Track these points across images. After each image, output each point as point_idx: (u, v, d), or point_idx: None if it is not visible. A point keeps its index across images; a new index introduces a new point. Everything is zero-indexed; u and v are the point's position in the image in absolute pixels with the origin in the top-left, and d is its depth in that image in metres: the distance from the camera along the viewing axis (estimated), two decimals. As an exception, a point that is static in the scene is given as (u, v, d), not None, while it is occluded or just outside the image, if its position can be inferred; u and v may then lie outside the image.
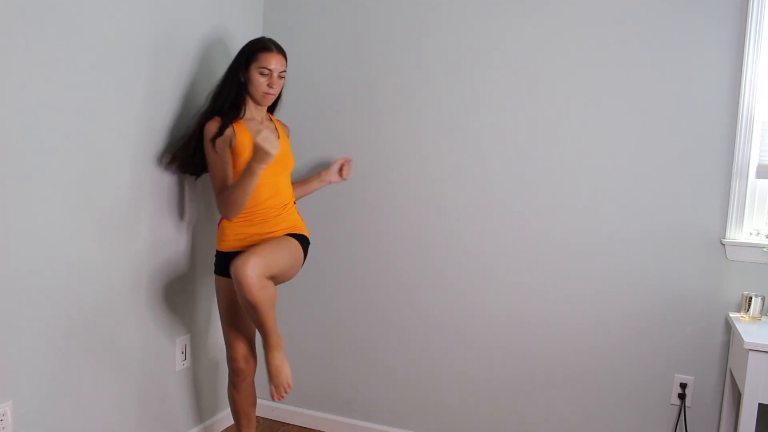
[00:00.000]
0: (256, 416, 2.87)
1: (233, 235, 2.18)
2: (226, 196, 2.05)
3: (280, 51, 2.17)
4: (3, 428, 1.76)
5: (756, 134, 2.15)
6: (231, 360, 2.27)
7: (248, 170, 1.97)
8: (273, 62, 2.12)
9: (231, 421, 2.81)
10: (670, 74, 2.22)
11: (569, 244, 2.38)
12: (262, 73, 2.12)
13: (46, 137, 1.81)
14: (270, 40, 2.18)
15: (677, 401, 2.29)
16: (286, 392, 2.05)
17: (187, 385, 2.53)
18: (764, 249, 2.13)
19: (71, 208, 1.92)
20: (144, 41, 2.14)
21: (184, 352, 2.49)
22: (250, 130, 2.14)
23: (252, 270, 1.88)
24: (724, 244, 2.19)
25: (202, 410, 2.64)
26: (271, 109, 2.35)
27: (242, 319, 2.23)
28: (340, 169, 2.52)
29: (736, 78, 2.14)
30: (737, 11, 2.12)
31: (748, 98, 2.13)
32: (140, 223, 2.21)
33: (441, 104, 2.51)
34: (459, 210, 2.52)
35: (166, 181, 2.30)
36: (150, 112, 2.19)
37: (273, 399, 2.06)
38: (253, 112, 2.21)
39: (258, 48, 2.14)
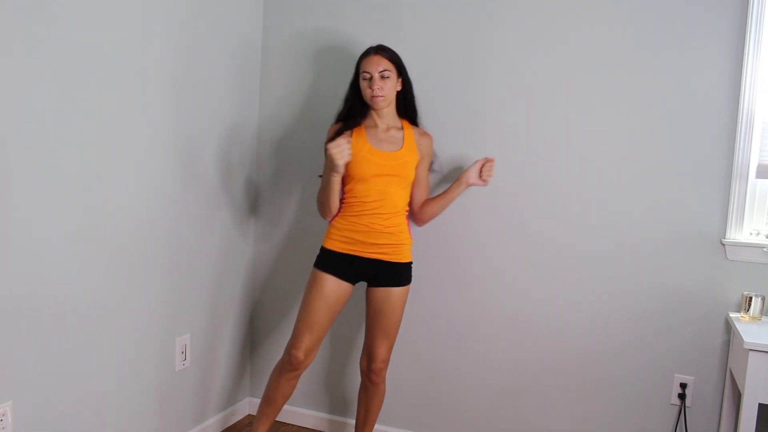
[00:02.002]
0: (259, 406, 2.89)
1: (339, 235, 2.23)
2: (318, 196, 2.26)
3: (378, 52, 2.19)
4: (3, 428, 1.76)
5: (756, 134, 2.15)
6: (293, 348, 2.22)
7: (324, 178, 2.17)
8: (369, 64, 2.16)
9: (230, 422, 2.81)
10: (670, 75, 2.22)
11: (569, 244, 2.38)
12: (364, 78, 2.17)
13: (57, 135, 1.82)
14: (373, 46, 2.22)
15: (677, 401, 2.29)
16: None
17: (187, 385, 2.53)
18: (764, 249, 2.13)
19: (71, 207, 1.92)
20: (146, 48, 2.14)
21: (184, 352, 2.49)
22: (368, 136, 2.22)
23: (385, 365, 2.30)
24: (724, 244, 2.19)
25: (202, 410, 2.63)
26: (410, 119, 2.30)
27: (324, 315, 2.22)
28: (480, 171, 2.31)
29: (736, 78, 2.14)
30: (737, 11, 2.12)
31: (748, 98, 2.13)
32: (140, 222, 2.21)
33: (444, 104, 2.51)
34: (461, 212, 2.51)
35: (174, 181, 2.30)
36: (153, 109, 2.19)
37: None
38: (376, 119, 2.24)
39: (360, 57, 2.22)
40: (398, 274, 2.25)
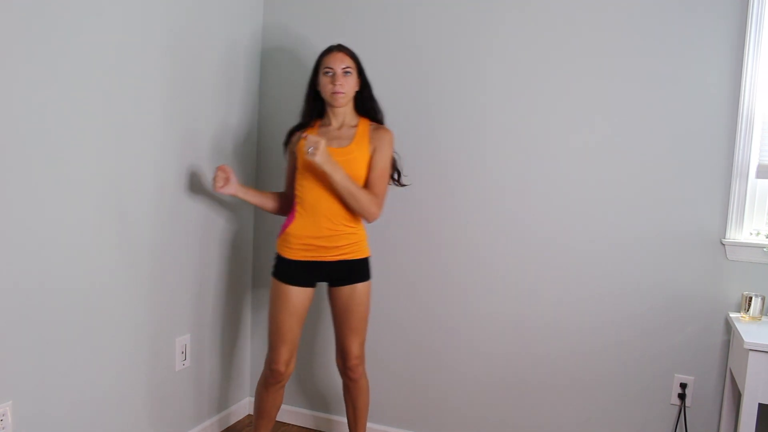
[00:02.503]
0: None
1: (299, 244, 2.19)
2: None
3: (341, 49, 2.20)
4: (3, 428, 1.76)
5: (756, 134, 2.15)
6: (272, 362, 2.25)
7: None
8: (332, 61, 2.16)
9: (230, 422, 2.81)
10: (670, 74, 2.22)
11: (568, 244, 2.38)
12: (326, 73, 2.17)
13: (56, 136, 1.82)
14: (335, 44, 2.23)
15: (677, 401, 2.29)
16: None
17: (187, 385, 2.53)
18: (764, 249, 2.13)
19: (71, 208, 1.92)
20: (146, 47, 2.14)
21: (184, 352, 2.49)
22: (320, 134, 2.20)
23: (360, 360, 2.30)
24: (724, 244, 2.19)
25: (202, 410, 2.63)
26: (369, 116, 2.27)
27: (293, 325, 2.23)
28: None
29: (736, 78, 2.14)
30: (737, 11, 2.12)
31: (748, 98, 2.13)
32: (141, 222, 2.21)
33: (445, 105, 2.51)
34: (460, 211, 2.51)
35: (174, 180, 2.30)
36: (156, 112, 2.19)
37: None
38: (331, 117, 2.24)
39: (321, 54, 2.22)
40: (360, 270, 2.25)
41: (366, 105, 2.27)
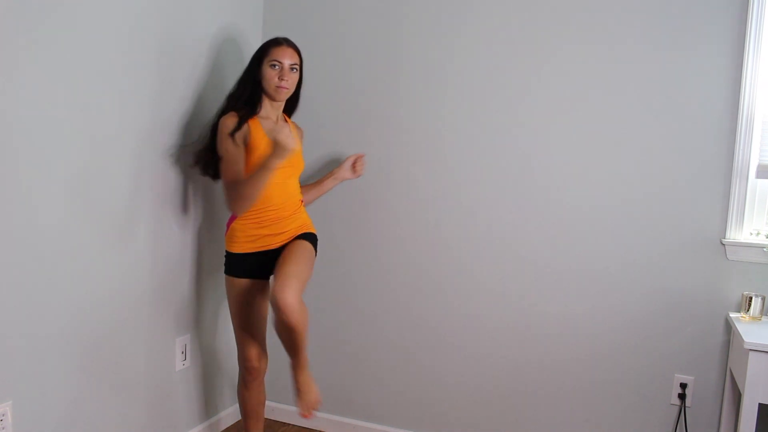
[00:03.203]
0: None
1: (244, 237, 2.19)
2: (238, 191, 2.04)
3: (291, 45, 2.19)
4: (3, 428, 1.76)
5: (756, 134, 2.15)
6: (244, 359, 2.28)
7: (264, 166, 1.98)
8: (282, 55, 2.14)
9: (230, 422, 2.81)
10: (670, 74, 2.22)
11: (569, 245, 2.38)
12: (272, 66, 2.13)
13: (47, 134, 1.81)
14: (283, 37, 2.21)
15: (677, 401, 2.29)
16: (315, 410, 2.12)
17: (187, 385, 2.53)
18: (764, 249, 2.13)
19: (72, 207, 1.92)
20: (147, 40, 2.13)
21: (184, 352, 2.49)
22: (264, 128, 2.15)
23: (292, 296, 1.94)
24: (724, 244, 2.19)
25: (202, 410, 2.63)
26: (289, 112, 2.35)
27: (255, 319, 2.24)
28: (353, 166, 2.50)
29: (736, 78, 2.14)
30: (737, 11, 2.12)
31: (748, 98, 2.13)
32: (141, 222, 2.20)
33: (445, 105, 2.51)
34: (457, 212, 2.52)
35: (169, 180, 2.30)
36: (154, 109, 2.19)
37: (302, 417, 2.12)
38: (269, 110, 2.21)
39: (269, 44, 2.18)
40: (303, 236, 2.21)
41: (293, 102, 2.31)
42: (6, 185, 1.72)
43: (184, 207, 2.41)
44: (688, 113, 2.21)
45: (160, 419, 2.39)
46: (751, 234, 2.18)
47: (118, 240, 2.11)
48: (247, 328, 2.25)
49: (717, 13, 2.15)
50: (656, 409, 2.31)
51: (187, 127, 2.37)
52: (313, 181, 2.54)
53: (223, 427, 2.77)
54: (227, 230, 2.24)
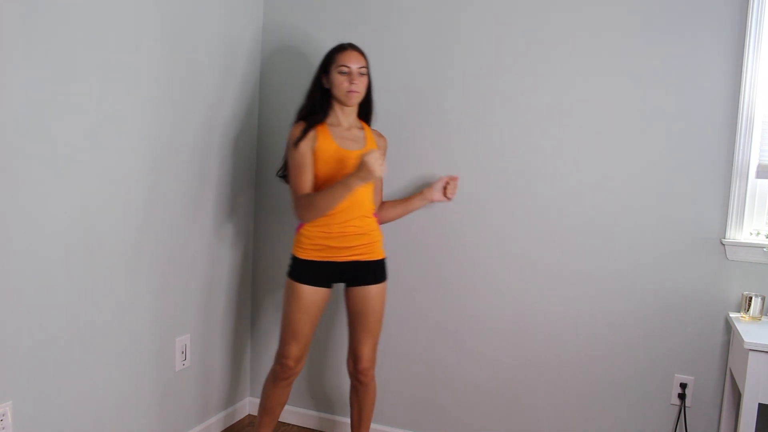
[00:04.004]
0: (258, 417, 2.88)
1: (312, 245, 2.19)
2: (311, 200, 2.10)
3: (356, 49, 2.19)
4: (3, 428, 1.76)
5: (756, 134, 2.15)
6: (283, 357, 2.25)
7: (344, 183, 2.03)
8: (349, 59, 2.15)
9: (230, 422, 2.81)
10: (670, 74, 2.22)
11: (569, 245, 2.38)
12: (341, 72, 2.14)
13: (55, 134, 1.82)
14: (347, 42, 2.22)
15: (677, 401, 2.29)
16: None
17: (187, 385, 2.53)
18: (764, 249, 2.13)
19: (71, 206, 1.93)
20: (146, 42, 2.14)
21: (184, 352, 2.49)
22: (333, 135, 2.17)
23: (373, 358, 2.30)
24: (724, 244, 2.19)
25: (202, 410, 2.63)
26: (365, 119, 2.30)
27: (308, 324, 2.23)
28: (444, 188, 2.40)
29: (736, 78, 2.14)
30: (737, 12, 2.12)
31: (748, 98, 2.13)
32: (142, 221, 2.21)
33: (445, 105, 2.51)
34: (458, 212, 2.51)
35: (171, 181, 2.30)
36: (154, 111, 2.19)
37: None
38: (339, 117, 2.22)
39: (334, 51, 2.19)
40: (375, 271, 2.25)
41: (367, 107, 2.28)
42: (6, 186, 1.72)
43: (188, 208, 2.41)
44: (688, 113, 2.21)
45: (160, 419, 2.39)
46: (751, 234, 2.18)
47: (117, 240, 2.11)
48: (297, 331, 2.22)
49: (717, 13, 2.15)
50: (656, 409, 2.31)
51: (187, 127, 2.37)
52: (400, 198, 2.48)
53: (224, 428, 2.77)
54: (296, 234, 2.25)
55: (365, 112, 2.29)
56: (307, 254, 2.20)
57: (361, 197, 2.19)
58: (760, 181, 2.18)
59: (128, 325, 2.19)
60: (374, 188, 2.31)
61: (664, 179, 2.25)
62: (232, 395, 2.82)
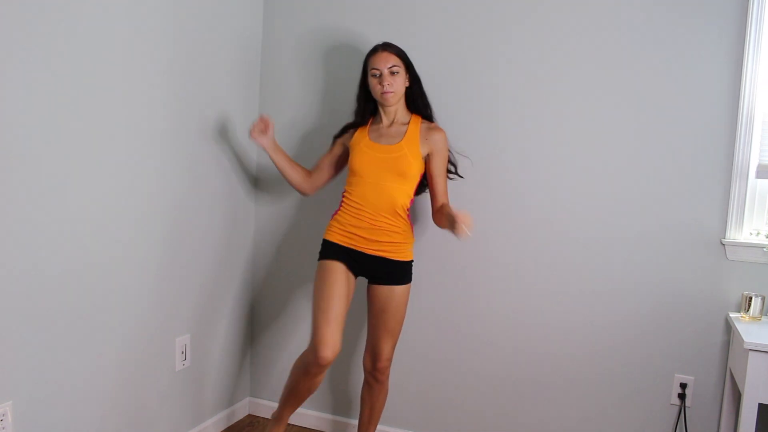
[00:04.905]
0: (258, 417, 2.88)
1: (341, 230, 2.23)
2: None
3: (386, 48, 2.21)
4: (3, 428, 1.76)
5: (756, 134, 2.15)
6: (319, 347, 2.09)
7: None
8: (378, 61, 2.18)
9: (230, 422, 2.81)
10: (671, 74, 2.22)
11: (570, 245, 2.38)
12: (373, 75, 2.19)
13: (55, 135, 1.82)
14: (380, 43, 2.25)
15: (677, 401, 2.29)
16: None
17: (187, 385, 2.53)
18: (764, 249, 2.13)
19: (69, 207, 1.93)
20: (156, 44, 2.14)
21: (184, 352, 2.49)
22: (371, 134, 2.25)
23: (390, 357, 2.31)
24: (724, 244, 2.19)
25: (202, 410, 2.64)
26: (420, 112, 2.28)
27: (339, 302, 2.14)
28: (458, 226, 2.18)
29: (736, 78, 2.14)
30: (737, 11, 2.12)
31: (748, 98, 2.13)
32: (142, 221, 2.21)
33: (446, 105, 2.51)
34: (462, 209, 2.51)
35: (174, 181, 2.30)
36: (156, 110, 2.19)
37: None
38: (382, 116, 2.27)
39: (367, 55, 2.25)
40: (400, 272, 2.25)
41: (417, 101, 2.29)
42: (6, 186, 1.72)
43: (187, 208, 2.41)
44: (688, 113, 2.21)
45: (160, 419, 2.39)
46: (751, 234, 2.18)
47: (117, 241, 2.11)
48: (329, 312, 2.11)
49: (717, 13, 2.15)
50: (656, 409, 2.32)
51: (187, 127, 2.37)
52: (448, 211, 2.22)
53: (223, 428, 2.77)
54: (330, 221, 2.29)
55: (417, 105, 2.29)
56: (336, 237, 2.24)
57: (393, 194, 2.17)
58: (760, 181, 2.18)
59: (128, 325, 2.19)
60: (432, 183, 2.25)
61: (664, 179, 2.25)
62: (232, 395, 2.82)
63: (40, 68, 1.77)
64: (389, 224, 2.20)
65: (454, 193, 2.52)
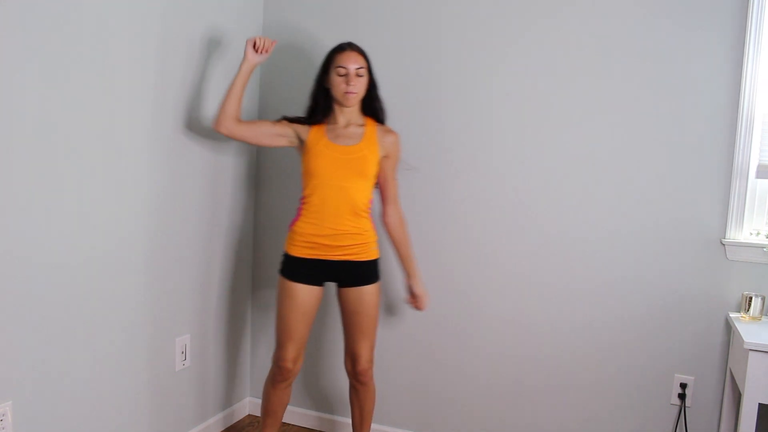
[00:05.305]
0: (258, 417, 2.88)
1: (303, 242, 2.19)
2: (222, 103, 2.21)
3: (355, 49, 2.18)
4: (3, 428, 1.76)
5: (756, 134, 2.15)
6: (280, 359, 2.25)
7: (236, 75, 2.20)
8: (347, 60, 2.14)
9: (231, 422, 2.81)
10: (670, 74, 2.22)
11: (569, 244, 2.38)
12: (339, 73, 2.15)
13: (50, 135, 1.82)
14: (347, 42, 2.21)
15: (677, 401, 2.29)
16: None
17: (187, 385, 2.53)
18: (764, 249, 2.13)
19: (73, 207, 1.93)
20: (147, 41, 2.14)
21: (184, 352, 2.49)
22: (327, 134, 2.18)
23: (371, 359, 2.29)
24: (724, 244, 2.19)
25: (202, 410, 2.63)
26: (374, 116, 2.26)
27: (300, 323, 2.23)
28: (415, 298, 2.35)
29: (736, 78, 2.14)
30: (737, 11, 2.12)
31: (748, 98, 2.13)
32: (139, 222, 2.20)
33: (446, 105, 2.51)
34: (460, 210, 2.52)
35: (174, 180, 2.30)
36: (154, 110, 2.19)
37: None
38: (338, 116, 2.21)
39: (333, 51, 2.19)
40: (367, 272, 2.23)
41: (372, 105, 2.27)
42: (5, 187, 1.72)
43: (188, 209, 2.41)
44: (688, 113, 2.21)
45: (160, 419, 2.39)
46: (751, 234, 2.18)
47: (117, 241, 2.11)
48: (291, 330, 2.22)
49: (717, 13, 2.15)
50: (656, 409, 2.31)
51: (187, 127, 2.37)
52: (412, 262, 2.35)
53: (224, 428, 2.77)
54: (288, 231, 2.25)
55: (372, 109, 2.27)
56: (299, 251, 2.20)
57: (354, 194, 2.16)
58: (760, 181, 2.18)
59: (128, 325, 2.19)
60: (383, 185, 2.27)
61: (664, 179, 2.25)
62: (231, 395, 2.82)
63: (26, 71, 1.77)
64: (352, 227, 2.17)
65: (455, 196, 2.53)
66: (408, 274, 2.35)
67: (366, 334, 2.26)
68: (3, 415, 1.76)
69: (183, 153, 2.37)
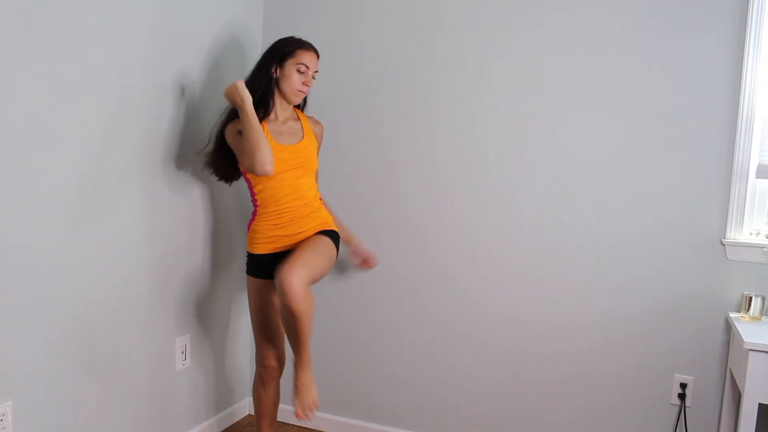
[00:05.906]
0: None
1: (264, 237, 2.19)
2: (246, 149, 2.01)
3: (316, 51, 2.19)
4: (3, 428, 1.76)
5: (756, 134, 2.15)
6: (262, 358, 2.28)
7: (242, 118, 2.03)
8: (311, 60, 2.15)
9: (231, 422, 2.81)
10: (670, 74, 2.22)
11: (569, 244, 2.38)
12: (299, 70, 2.13)
13: (48, 138, 1.82)
14: (307, 41, 2.19)
15: (677, 401, 2.29)
16: (311, 411, 2.03)
17: (187, 385, 2.53)
18: (764, 249, 2.13)
19: (72, 208, 1.92)
20: (143, 39, 2.14)
21: (184, 352, 2.49)
22: (269, 129, 2.15)
23: (297, 280, 1.89)
24: (724, 244, 2.19)
25: (202, 410, 2.63)
26: (300, 107, 2.34)
27: (274, 320, 2.25)
28: (363, 260, 2.51)
29: (736, 78, 2.14)
30: (737, 12, 2.12)
31: (748, 98, 2.13)
32: (140, 223, 2.20)
33: (445, 105, 2.51)
34: (459, 210, 2.52)
35: (170, 181, 2.30)
36: (153, 110, 2.19)
37: (297, 417, 2.03)
38: (278, 110, 2.19)
39: (296, 45, 2.15)
40: (328, 233, 2.21)
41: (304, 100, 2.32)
42: (5, 187, 1.72)
43: (187, 209, 2.41)
44: (688, 113, 2.21)
45: (160, 419, 2.39)
46: (751, 234, 2.18)
47: (117, 241, 2.11)
48: (266, 328, 2.26)
49: (717, 13, 2.15)
50: (656, 409, 2.32)
51: (186, 127, 2.37)
52: (344, 227, 2.46)
53: (224, 427, 2.77)
54: (248, 231, 2.25)
55: (301, 103, 2.33)
56: (261, 248, 2.20)
57: (303, 188, 2.18)
58: (760, 181, 2.18)
59: (128, 325, 2.19)
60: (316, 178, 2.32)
61: (664, 179, 2.25)
62: (231, 395, 2.82)
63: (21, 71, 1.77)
64: (309, 209, 2.18)
65: (452, 194, 2.53)
66: (347, 239, 2.43)
67: (303, 257, 1.98)
68: (3, 415, 1.76)
69: (186, 157, 2.36)
